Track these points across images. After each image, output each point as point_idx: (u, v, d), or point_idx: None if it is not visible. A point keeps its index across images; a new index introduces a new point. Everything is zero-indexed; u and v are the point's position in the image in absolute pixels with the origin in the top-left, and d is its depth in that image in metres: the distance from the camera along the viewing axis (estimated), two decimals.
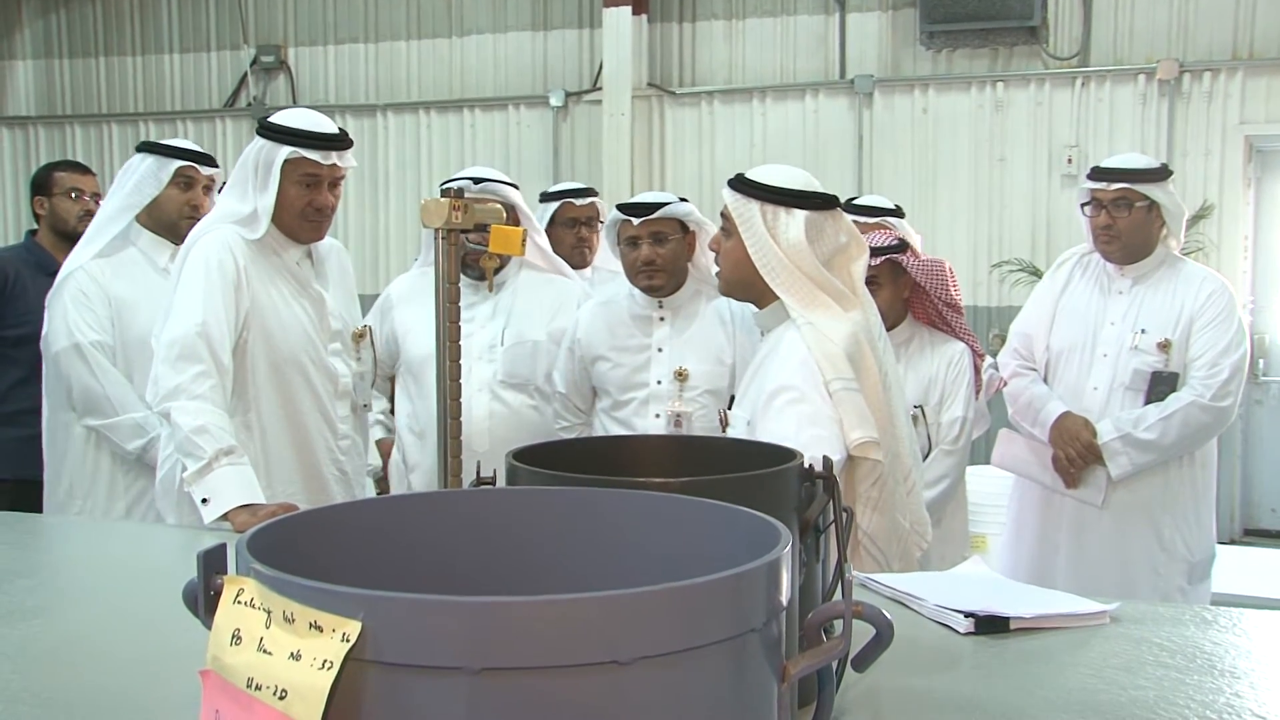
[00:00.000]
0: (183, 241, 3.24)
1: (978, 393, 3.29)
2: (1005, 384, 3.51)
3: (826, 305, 2.26)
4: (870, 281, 3.10)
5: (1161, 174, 3.39)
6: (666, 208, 3.13)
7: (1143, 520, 3.41)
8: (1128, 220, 3.35)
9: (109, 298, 3.18)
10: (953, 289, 3.21)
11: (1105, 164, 3.45)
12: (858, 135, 7.32)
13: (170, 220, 3.27)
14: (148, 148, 3.32)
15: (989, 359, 3.43)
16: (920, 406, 3.18)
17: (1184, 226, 3.46)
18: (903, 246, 3.20)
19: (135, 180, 3.25)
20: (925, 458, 3.13)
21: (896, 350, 3.23)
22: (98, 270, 3.19)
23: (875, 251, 3.15)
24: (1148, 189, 3.33)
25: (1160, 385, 3.35)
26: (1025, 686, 1.47)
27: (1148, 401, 3.35)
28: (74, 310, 3.14)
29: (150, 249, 3.27)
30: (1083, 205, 3.47)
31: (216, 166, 3.38)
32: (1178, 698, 1.40)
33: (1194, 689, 1.43)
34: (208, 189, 3.33)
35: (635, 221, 3.15)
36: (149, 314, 3.16)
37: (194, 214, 3.25)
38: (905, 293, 3.24)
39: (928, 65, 7.24)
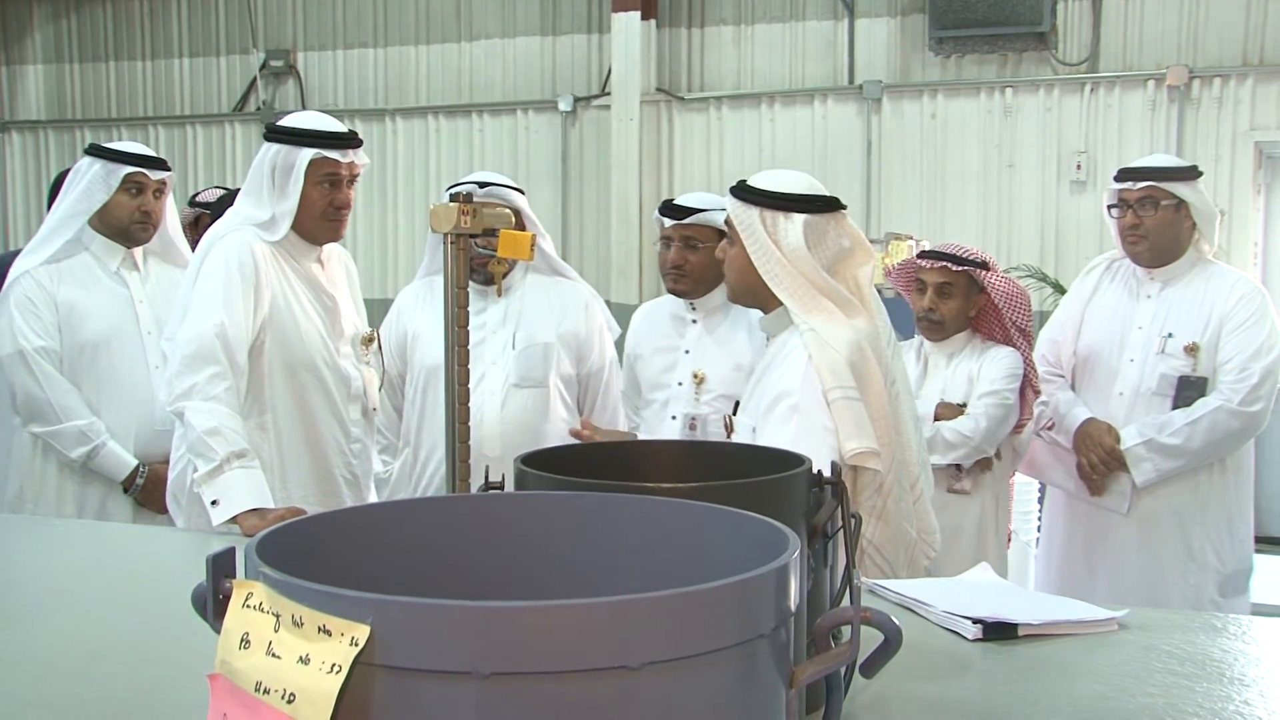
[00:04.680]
0: (135, 245, 3.31)
1: (1023, 423, 3.22)
2: (1051, 425, 3.39)
3: (829, 311, 2.26)
4: (941, 288, 3.16)
5: (1189, 173, 3.32)
6: (702, 214, 3.08)
7: (1171, 528, 3.32)
8: (1154, 219, 3.27)
9: (56, 303, 3.19)
10: (1029, 316, 3.18)
11: (1132, 164, 3.41)
12: (866, 141, 7.32)
13: (121, 226, 3.26)
14: (96, 152, 3.28)
15: (1044, 395, 3.34)
16: (964, 405, 3.17)
17: (1216, 228, 3.36)
18: (984, 264, 3.18)
19: (84, 185, 3.23)
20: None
21: (949, 355, 3.26)
22: (44, 276, 3.20)
23: (956, 261, 3.17)
24: (1174, 187, 3.26)
25: (1188, 390, 3.26)
26: (1033, 693, 1.46)
27: (1175, 407, 3.26)
28: (20, 317, 3.15)
29: (102, 253, 3.27)
30: (1109, 207, 3.40)
31: (169, 170, 3.36)
32: (1187, 705, 1.40)
33: (1203, 696, 1.43)
34: (159, 193, 3.30)
35: (668, 223, 3.14)
36: (99, 318, 3.20)
37: (145, 219, 3.26)
38: (973, 310, 3.23)
39: (936, 71, 7.23)
